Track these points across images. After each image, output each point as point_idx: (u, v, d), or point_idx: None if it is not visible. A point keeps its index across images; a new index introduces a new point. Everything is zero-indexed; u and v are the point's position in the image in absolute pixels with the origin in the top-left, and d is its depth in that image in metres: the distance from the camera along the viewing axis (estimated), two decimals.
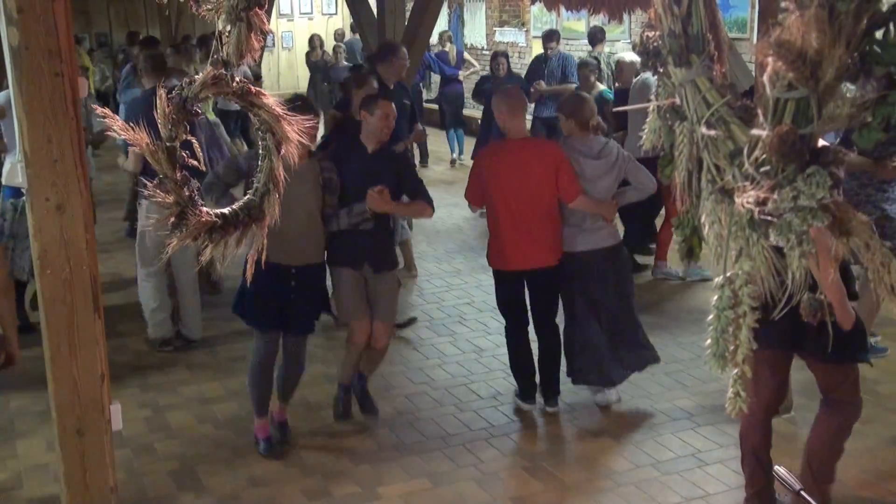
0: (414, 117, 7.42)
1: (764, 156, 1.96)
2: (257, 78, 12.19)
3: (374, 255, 4.93)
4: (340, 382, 5.18)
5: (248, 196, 2.92)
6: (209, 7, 2.69)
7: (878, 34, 1.89)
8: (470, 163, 7.49)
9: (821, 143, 1.99)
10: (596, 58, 9.68)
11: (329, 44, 15.93)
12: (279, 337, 4.86)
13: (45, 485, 4.51)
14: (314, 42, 14.96)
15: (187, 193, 2.69)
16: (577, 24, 13.22)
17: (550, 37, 10.45)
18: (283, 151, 2.83)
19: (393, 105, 5.04)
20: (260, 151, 2.91)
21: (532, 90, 9.55)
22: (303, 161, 4.28)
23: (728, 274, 2.19)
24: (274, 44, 18.39)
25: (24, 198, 4.66)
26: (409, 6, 9.20)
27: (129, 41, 13.61)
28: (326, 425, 5.18)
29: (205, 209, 2.77)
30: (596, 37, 10.40)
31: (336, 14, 19.08)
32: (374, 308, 4.99)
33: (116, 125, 2.66)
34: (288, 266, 4.63)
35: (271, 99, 2.86)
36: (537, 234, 5.06)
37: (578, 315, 5.21)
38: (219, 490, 4.52)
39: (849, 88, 1.97)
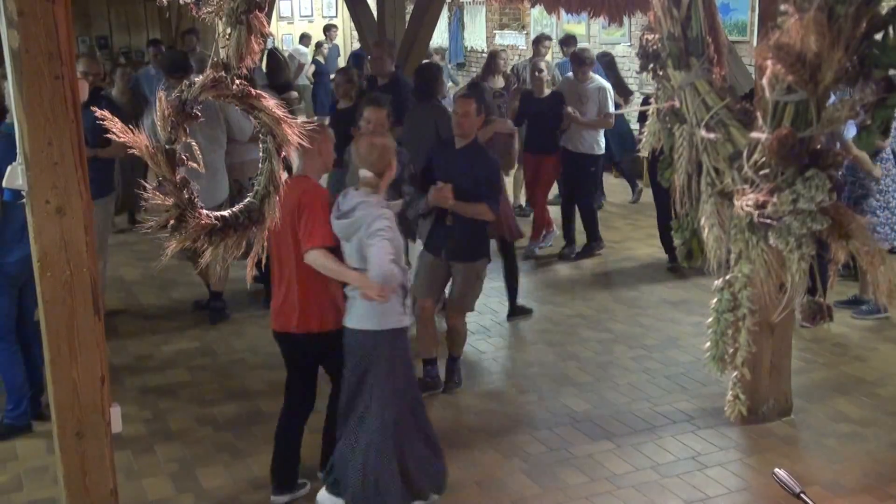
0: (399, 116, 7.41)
1: (763, 159, 1.96)
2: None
3: (450, 245, 5.42)
4: (418, 357, 5.37)
5: (248, 198, 2.93)
6: (209, 10, 2.70)
7: (878, 37, 1.89)
8: None
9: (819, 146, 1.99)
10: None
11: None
12: None
13: (45, 487, 4.51)
14: (323, 44, 15.14)
15: (186, 196, 2.70)
16: (577, 26, 13.22)
17: (567, 42, 10.53)
18: (283, 154, 2.83)
19: (470, 102, 5.47)
20: (260, 154, 2.91)
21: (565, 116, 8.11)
22: None
23: (728, 277, 2.19)
24: (274, 46, 18.40)
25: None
26: (410, 8, 9.21)
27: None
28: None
29: (204, 211, 2.77)
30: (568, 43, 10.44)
31: (336, 17, 19.08)
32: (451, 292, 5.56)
33: (116, 127, 2.67)
34: None
35: (271, 102, 2.86)
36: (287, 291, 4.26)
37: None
38: (219, 492, 4.51)
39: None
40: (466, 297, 5.58)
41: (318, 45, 15.86)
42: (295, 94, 8.47)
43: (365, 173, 4.12)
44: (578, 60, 8.24)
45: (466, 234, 5.41)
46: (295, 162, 4.15)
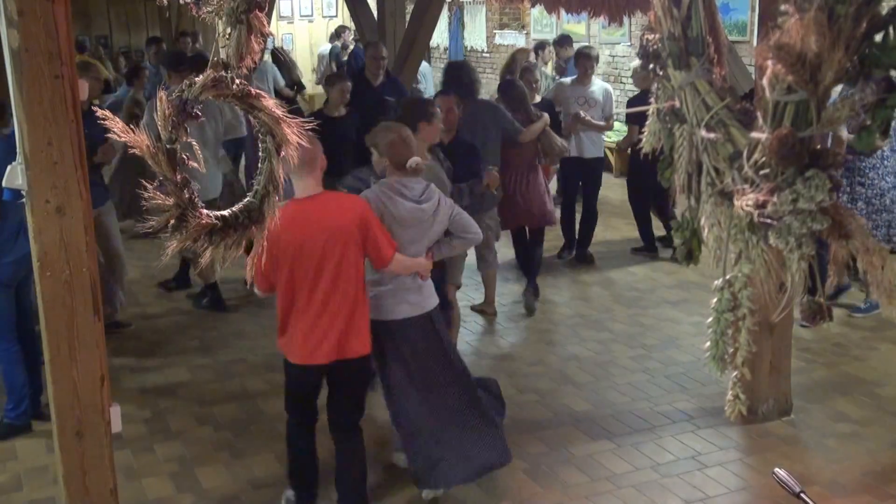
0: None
1: (763, 159, 1.96)
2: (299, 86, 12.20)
3: None
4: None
5: (247, 198, 2.92)
6: (209, 9, 2.70)
7: (878, 37, 1.89)
8: None
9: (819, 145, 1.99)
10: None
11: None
12: None
13: (45, 487, 4.51)
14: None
15: (187, 195, 2.70)
16: (577, 26, 13.22)
17: (563, 42, 10.39)
18: (282, 154, 2.83)
19: (449, 98, 5.81)
20: (260, 154, 2.91)
21: (570, 120, 7.92)
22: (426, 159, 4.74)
23: (728, 277, 2.19)
24: (274, 46, 18.39)
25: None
26: (410, 8, 9.21)
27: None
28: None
29: (205, 211, 2.77)
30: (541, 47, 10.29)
31: (336, 16, 19.07)
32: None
33: (117, 127, 2.67)
34: None
35: (271, 101, 2.86)
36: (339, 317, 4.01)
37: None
38: (218, 492, 4.52)
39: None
40: (454, 270, 5.62)
41: (345, 47, 15.65)
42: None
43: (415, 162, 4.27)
44: (587, 60, 8.13)
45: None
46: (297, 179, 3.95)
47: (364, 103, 7.23)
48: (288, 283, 3.92)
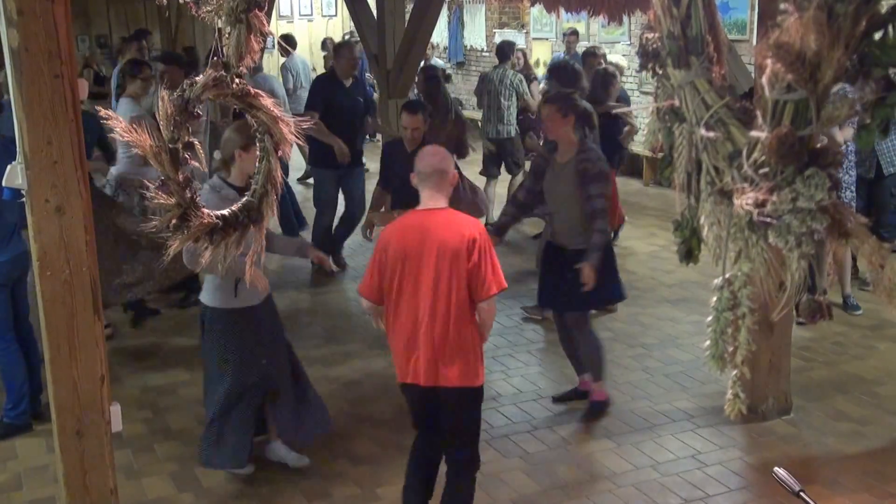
0: (367, 110, 8.04)
1: (763, 157, 1.96)
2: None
3: None
4: None
5: (246, 198, 2.93)
6: (209, 9, 2.70)
7: (877, 36, 1.89)
8: None
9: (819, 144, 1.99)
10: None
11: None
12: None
13: (45, 486, 4.51)
14: (326, 45, 15.01)
15: (189, 195, 2.70)
16: (577, 25, 13.22)
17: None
18: (280, 153, 2.84)
19: (417, 118, 5.72)
20: (258, 153, 2.92)
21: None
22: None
23: (727, 276, 2.19)
24: (274, 46, 18.38)
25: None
26: (409, 7, 9.20)
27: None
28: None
29: (206, 210, 2.77)
30: (504, 52, 9.70)
31: (336, 16, 19.06)
32: None
33: (120, 126, 2.67)
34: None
35: (269, 101, 2.87)
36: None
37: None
38: (218, 491, 4.52)
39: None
40: None
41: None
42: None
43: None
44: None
45: None
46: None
47: (337, 103, 7.50)
48: (390, 295, 3.76)
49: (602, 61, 8.33)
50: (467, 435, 3.88)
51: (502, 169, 9.27)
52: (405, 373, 3.79)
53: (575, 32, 12.24)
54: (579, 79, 7.16)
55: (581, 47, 12.95)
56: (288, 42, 12.00)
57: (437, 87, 8.16)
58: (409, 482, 4.01)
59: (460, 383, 3.73)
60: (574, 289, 4.91)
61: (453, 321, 3.68)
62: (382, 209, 6.06)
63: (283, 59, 11.47)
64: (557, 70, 7.52)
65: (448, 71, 12.02)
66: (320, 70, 14.60)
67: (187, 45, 12.70)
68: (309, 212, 10.75)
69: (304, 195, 11.27)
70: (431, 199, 3.78)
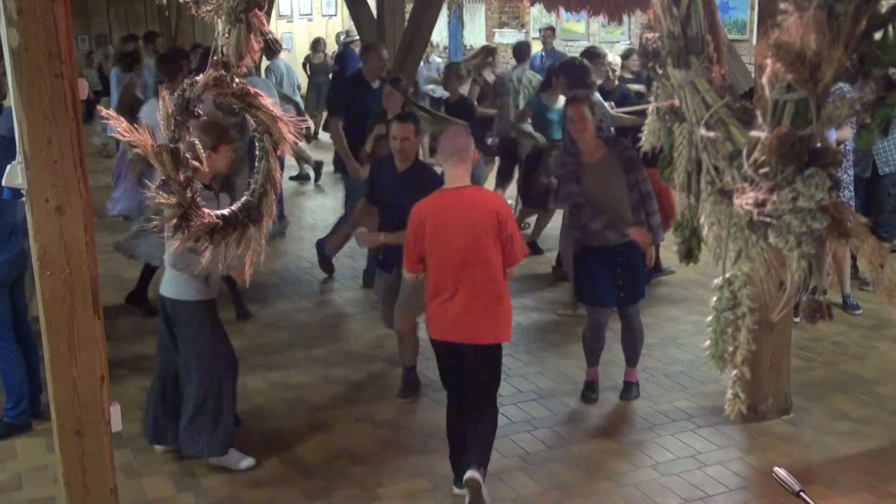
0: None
1: (763, 157, 1.96)
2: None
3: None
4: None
5: (245, 197, 2.93)
6: (209, 8, 2.70)
7: (878, 35, 1.89)
8: None
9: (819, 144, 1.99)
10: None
11: (331, 46, 15.95)
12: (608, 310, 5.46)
13: (45, 486, 4.51)
14: (319, 45, 14.96)
15: (190, 195, 2.70)
16: (576, 25, 13.23)
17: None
18: (279, 152, 2.84)
19: (408, 127, 5.30)
20: (257, 152, 2.92)
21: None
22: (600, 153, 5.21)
23: (727, 275, 2.19)
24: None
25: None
26: (409, 7, 9.20)
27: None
28: (326, 425, 5.18)
29: (206, 210, 2.78)
30: (522, 52, 9.78)
31: (336, 15, 19.07)
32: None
33: (121, 126, 2.67)
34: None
35: (268, 100, 2.87)
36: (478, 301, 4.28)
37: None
38: (218, 491, 4.52)
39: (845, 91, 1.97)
40: (411, 302, 5.27)
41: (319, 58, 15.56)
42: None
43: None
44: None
45: None
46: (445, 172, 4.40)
47: (363, 106, 7.10)
48: (430, 265, 4.28)
49: (604, 62, 8.28)
50: (489, 385, 4.38)
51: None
52: (435, 332, 4.34)
53: (551, 28, 12.28)
54: (588, 74, 7.17)
55: (581, 47, 12.98)
56: (273, 44, 11.95)
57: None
58: (453, 445, 4.42)
59: (490, 341, 4.27)
60: (635, 280, 5.36)
61: (485, 285, 4.20)
62: (365, 228, 5.69)
63: (266, 62, 11.38)
64: (567, 67, 7.44)
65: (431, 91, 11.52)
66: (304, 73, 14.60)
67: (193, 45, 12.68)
68: (308, 213, 10.75)
69: (294, 190, 11.29)
70: (458, 179, 4.27)
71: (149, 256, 6.31)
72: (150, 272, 6.83)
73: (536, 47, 11.97)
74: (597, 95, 6.95)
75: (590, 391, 5.49)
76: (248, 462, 4.71)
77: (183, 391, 4.64)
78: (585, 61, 7.42)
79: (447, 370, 4.41)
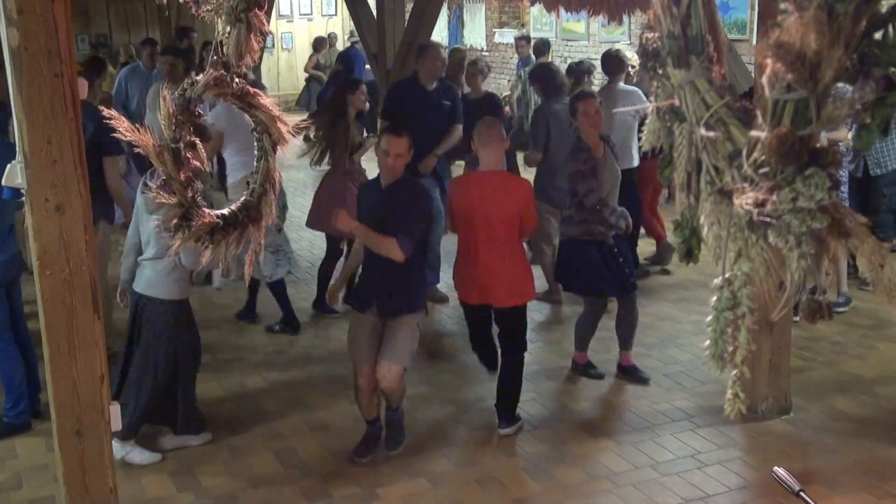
0: (453, 119, 7.04)
1: (763, 157, 1.96)
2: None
3: (382, 296, 4.63)
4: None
5: (244, 197, 2.93)
6: (209, 8, 2.70)
7: (878, 35, 1.89)
8: None
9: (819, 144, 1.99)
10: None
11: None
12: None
13: (45, 485, 4.51)
14: (325, 44, 14.95)
15: (191, 195, 2.71)
16: (576, 25, 13.22)
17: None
18: (278, 152, 2.84)
19: (403, 142, 4.61)
20: (256, 152, 2.92)
21: None
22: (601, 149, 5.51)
23: (727, 275, 2.19)
24: (273, 45, 18.39)
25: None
26: (409, 7, 9.20)
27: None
28: (325, 425, 5.18)
29: (206, 210, 2.78)
30: (540, 49, 10.49)
31: (336, 15, 19.07)
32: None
33: (122, 126, 2.68)
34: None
35: (268, 100, 2.87)
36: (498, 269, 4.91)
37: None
38: (218, 491, 4.52)
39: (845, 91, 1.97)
40: (404, 353, 4.63)
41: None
42: None
43: None
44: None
45: (400, 281, 4.63)
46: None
47: (421, 112, 6.73)
48: (460, 236, 5.00)
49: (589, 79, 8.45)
50: (517, 338, 5.06)
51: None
52: (462, 295, 5.07)
53: (525, 38, 12.51)
54: (556, 75, 7.52)
55: (581, 47, 12.99)
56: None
57: (344, 98, 7.11)
58: (478, 352, 5.43)
59: (508, 304, 4.94)
60: (631, 268, 5.78)
61: (509, 260, 4.89)
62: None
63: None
64: (535, 74, 7.84)
65: None
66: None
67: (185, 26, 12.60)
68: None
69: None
70: (494, 163, 4.95)
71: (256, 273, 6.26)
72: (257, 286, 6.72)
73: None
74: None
75: (591, 368, 5.80)
76: (143, 457, 4.77)
77: (135, 376, 4.75)
78: (554, 65, 7.73)
79: (475, 328, 5.22)
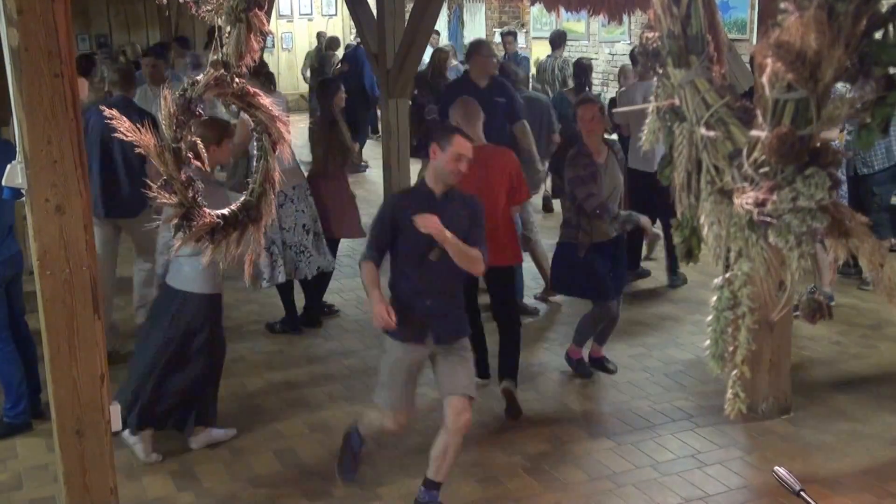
0: (513, 117, 6.86)
1: (763, 157, 1.96)
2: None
3: (437, 321, 4.12)
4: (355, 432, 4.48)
5: (244, 197, 2.93)
6: (209, 8, 2.70)
7: (878, 35, 1.89)
8: None
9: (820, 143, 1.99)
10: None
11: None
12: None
13: (45, 485, 4.51)
14: (332, 43, 14.91)
15: (191, 195, 2.71)
16: (576, 24, 13.23)
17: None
18: (277, 151, 2.84)
19: (469, 145, 4.11)
20: (255, 152, 2.92)
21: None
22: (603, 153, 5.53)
23: (727, 275, 2.19)
24: (274, 45, 18.39)
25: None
26: (409, 7, 9.20)
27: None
28: (326, 425, 5.18)
29: (207, 210, 2.78)
30: (556, 42, 10.61)
31: (336, 15, 19.07)
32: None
33: (123, 126, 2.67)
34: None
35: (268, 100, 2.87)
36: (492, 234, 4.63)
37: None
38: (218, 491, 4.52)
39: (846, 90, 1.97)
40: (473, 382, 4.21)
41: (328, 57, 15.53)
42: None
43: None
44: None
45: (453, 301, 4.20)
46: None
47: None
48: None
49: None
50: (508, 298, 5.55)
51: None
52: None
53: (512, 33, 12.58)
54: (511, 74, 7.87)
55: (582, 46, 13.01)
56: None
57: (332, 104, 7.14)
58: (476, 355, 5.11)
59: (499, 263, 5.01)
60: (624, 270, 5.96)
61: (502, 220, 5.22)
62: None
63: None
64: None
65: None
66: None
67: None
68: None
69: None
70: (477, 138, 5.06)
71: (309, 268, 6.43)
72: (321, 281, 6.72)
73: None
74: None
75: (582, 366, 5.85)
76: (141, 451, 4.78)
77: (143, 365, 4.78)
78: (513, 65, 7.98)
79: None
